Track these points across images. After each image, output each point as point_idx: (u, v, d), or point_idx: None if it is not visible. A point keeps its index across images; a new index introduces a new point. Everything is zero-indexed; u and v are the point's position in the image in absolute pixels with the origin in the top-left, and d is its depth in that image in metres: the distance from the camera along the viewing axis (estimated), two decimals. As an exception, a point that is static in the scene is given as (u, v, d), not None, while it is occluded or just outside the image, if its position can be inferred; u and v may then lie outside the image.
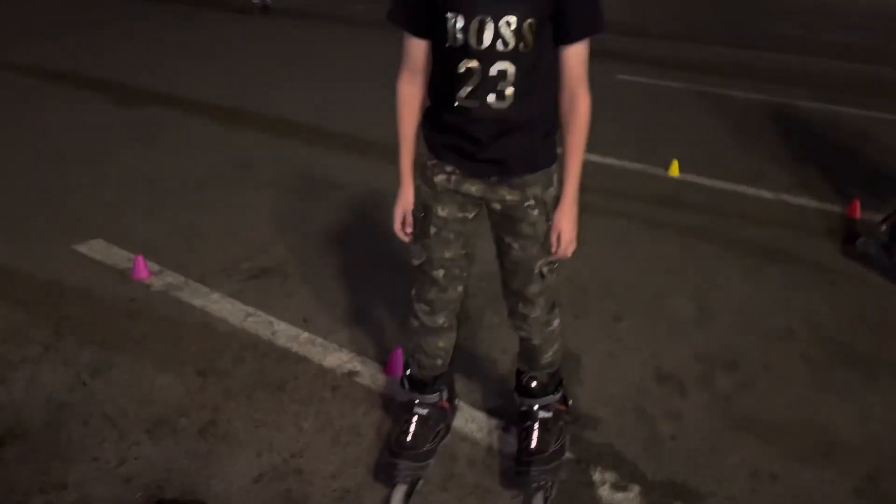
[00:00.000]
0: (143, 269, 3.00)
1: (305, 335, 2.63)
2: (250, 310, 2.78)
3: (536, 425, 1.96)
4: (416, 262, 1.81)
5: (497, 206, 1.72)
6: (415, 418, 1.95)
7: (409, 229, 1.77)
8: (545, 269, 1.77)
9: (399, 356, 2.40)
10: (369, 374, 2.41)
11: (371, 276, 3.07)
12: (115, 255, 3.17)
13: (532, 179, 1.68)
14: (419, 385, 1.97)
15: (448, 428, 2.11)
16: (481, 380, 2.39)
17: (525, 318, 1.85)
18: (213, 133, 5.06)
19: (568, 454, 2.07)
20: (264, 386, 2.34)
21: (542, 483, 1.89)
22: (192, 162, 4.41)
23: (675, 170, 4.58)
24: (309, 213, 3.70)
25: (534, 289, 1.79)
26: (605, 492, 1.97)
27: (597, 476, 2.02)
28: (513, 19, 1.49)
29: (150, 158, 4.43)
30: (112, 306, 2.78)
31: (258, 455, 2.04)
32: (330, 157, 4.61)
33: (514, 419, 2.11)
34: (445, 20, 1.51)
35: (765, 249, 3.49)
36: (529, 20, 1.50)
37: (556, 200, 1.71)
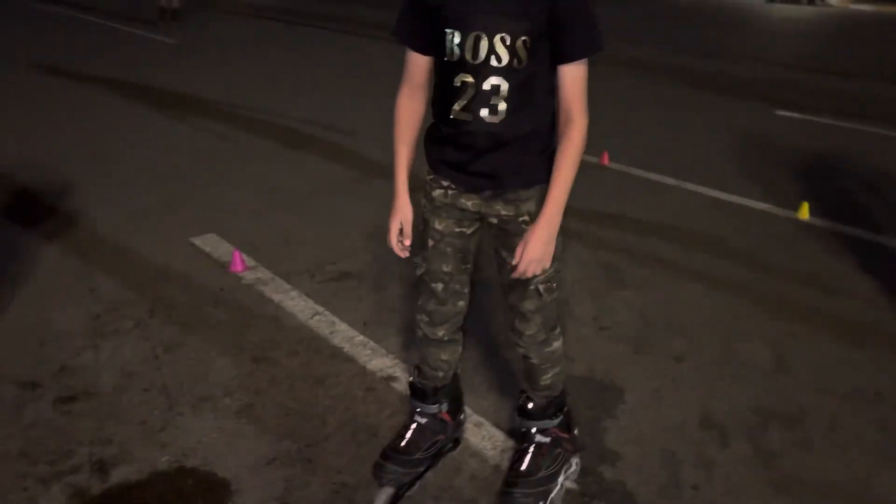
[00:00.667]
0: (239, 262, 3.29)
1: (360, 338, 2.76)
2: (319, 309, 2.96)
3: (531, 448, 1.94)
4: (418, 272, 1.87)
5: (494, 221, 1.75)
6: (413, 425, 2.00)
7: (407, 241, 1.80)
8: (541, 287, 1.77)
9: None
10: (406, 381, 2.49)
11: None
12: (221, 249, 3.49)
13: (526, 195, 1.70)
14: (420, 394, 2.01)
15: (456, 442, 2.14)
16: (509, 398, 2.38)
17: (521, 335, 1.85)
18: (338, 148, 5.41)
19: (572, 485, 2.03)
20: (306, 378, 2.49)
21: None
22: (312, 175, 4.74)
23: (804, 212, 4.26)
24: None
25: (529, 305, 1.79)
26: (599, 528, 1.90)
27: (597, 511, 1.95)
28: (507, 36, 1.53)
29: (275, 170, 4.82)
30: (203, 293, 3.07)
31: (279, 440, 2.18)
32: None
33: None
34: (444, 35, 1.57)
35: (873, 307, 3.16)
36: (523, 38, 1.54)
37: None
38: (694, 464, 2.15)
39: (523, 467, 1.90)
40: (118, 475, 2.02)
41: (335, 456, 2.13)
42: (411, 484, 1.98)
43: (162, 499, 1.94)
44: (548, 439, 1.95)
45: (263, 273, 3.28)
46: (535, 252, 1.65)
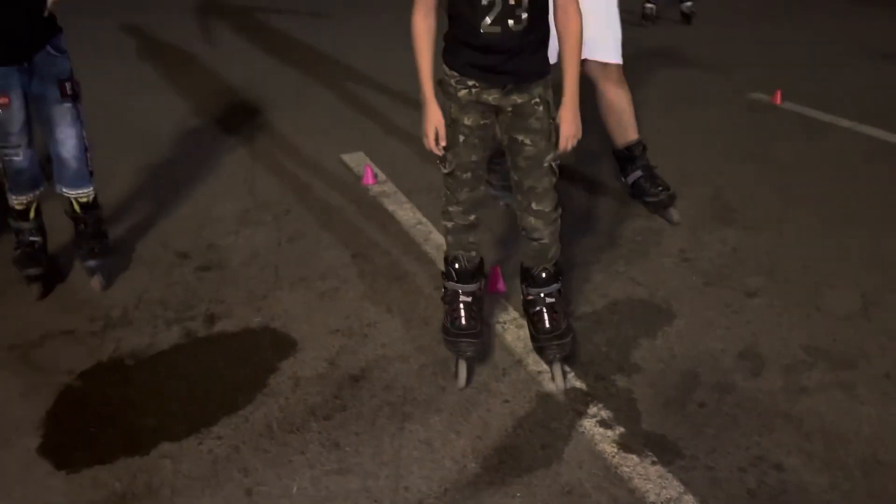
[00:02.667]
0: (370, 177, 3.73)
1: (448, 246, 3.07)
2: (423, 219, 3.31)
3: (545, 309, 2.23)
4: (446, 170, 2.14)
5: (509, 109, 2.03)
6: (461, 305, 2.25)
7: (442, 143, 2.08)
8: (554, 165, 2.09)
9: (497, 274, 2.71)
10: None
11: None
12: (362, 165, 3.95)
13: (536, 83, 2.01)
14: (465, 276, 2.26)
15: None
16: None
17: (539, 215, 2.13)
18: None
19: (580, 385, 2.20)
20: (388, 275, 2.87)
21: (560, 356, 2.22)
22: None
23: None
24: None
25: (546, 182, 2.09)
26: (587, 422, 2.07)
27: (592, 409, 2.12)
28: None
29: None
30: (334, 199, 3.56)
31: (346, 317, 2.59)
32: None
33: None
34: None
35: None
36: None
37: (552, 102, 2.04)
38: (712, 387, 2.21)
39: (547, 325, 2.22)
40: (220, 326, 2.57)
41: (385, 335, 2.49)
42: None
43: (243, 346, 2.46)
44: (554, 299, 2.25)
45: (389, 187, 3.68)
46: (571, 128, 2.04)
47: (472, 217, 2.21)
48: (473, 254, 2.28)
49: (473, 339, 2.24)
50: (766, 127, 4.46)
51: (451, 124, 2.06)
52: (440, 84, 2.06)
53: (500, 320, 2.56)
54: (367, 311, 2.64)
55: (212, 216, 3.40)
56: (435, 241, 3.11)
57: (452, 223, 2.23)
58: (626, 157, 3.25)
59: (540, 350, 2.27)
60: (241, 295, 2.75)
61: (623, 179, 3.33)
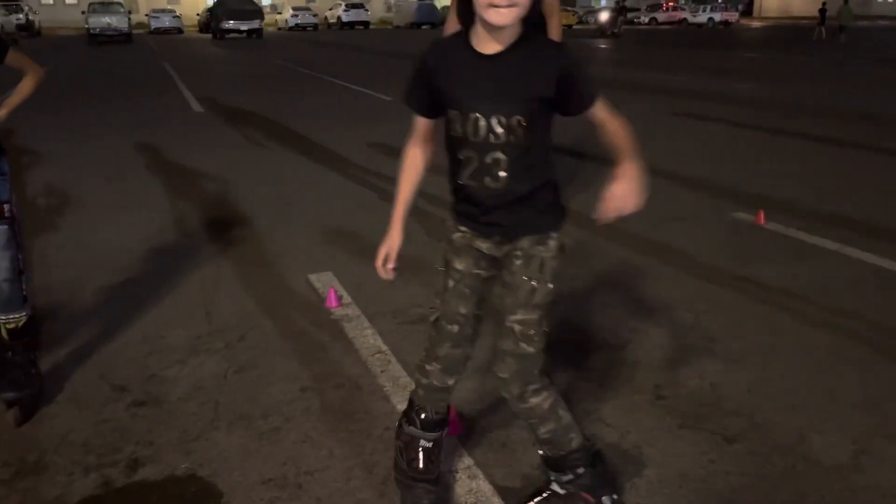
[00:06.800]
0: (334, 299, 3.57)
1: (405, 379, 2.85)
2: (383, 347, 3.12)
3: (545, 493, 2.07)
4: (432, 318, 2.00)
5: (499, 260, 1.93)
6: (420, 450, 2.08)
7: (390, 265, 1.97)
8: (516, 328, 1.86)
9: (453, 414, 2.48)
10: (425, 426, 2.54)
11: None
12: (328, 286, 3.79)
13: (525, 238, 1.87)
14: (430, 426, 2.07)
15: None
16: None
17: (497, 376, 1.93)
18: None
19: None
20: (337, 411, 2.65)
21: None
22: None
23: None
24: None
25: (503, 345, 1.89)
26: None
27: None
28: (502, 118, 1.73)
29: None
30: (294, 324, 3.38)
31: (283, 464, 2.35)
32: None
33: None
34: (448, 113, 1.80)
35: None
36: (517, 117, 1.73)
37: (545, 262, 1.84)
38: None
39: (529, 503, 2.04)
40: (142, 473, 2.32)
41: (322, 486, 2.25)
42: None
43: (162, 499, 2.20)
44: (563, 492, 2.03)
45: (352, 310, 3.51)
46: (619, 189, 1.71)
47: (451, 381, 2.02)
48: (442, 413, 2.08)
49: (431, 487, 2.08)
50: (751, 248, 4.33)
51: (444, 267, 1.97)
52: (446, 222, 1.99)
53: (452, 468, 2.32)
54: (307, 456, 2.39)
55: (161, 343, 3.21)
56: (392, 373, 2.90)
57: (427, 381, 2.03)
58: None
59: None
60: (174, 435, 2.52)
61: None
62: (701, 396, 2.72)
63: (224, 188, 5.98)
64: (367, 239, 4.51)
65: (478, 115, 1.73)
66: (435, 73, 1.79)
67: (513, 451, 2.40)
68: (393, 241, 1.96)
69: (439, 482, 2.11)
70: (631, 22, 49.46)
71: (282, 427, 2.56)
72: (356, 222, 4.90)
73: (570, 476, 2.01)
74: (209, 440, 2.49)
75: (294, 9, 47.90)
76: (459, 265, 1.92)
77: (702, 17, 49.27)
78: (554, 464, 2.01)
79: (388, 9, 56.40)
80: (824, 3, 29.63)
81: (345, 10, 47.39)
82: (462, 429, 2.49)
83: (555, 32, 3.80)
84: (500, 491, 2.21)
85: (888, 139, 7.56)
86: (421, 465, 2.06)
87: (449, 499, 2.18)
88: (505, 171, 1.77)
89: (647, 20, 53.35)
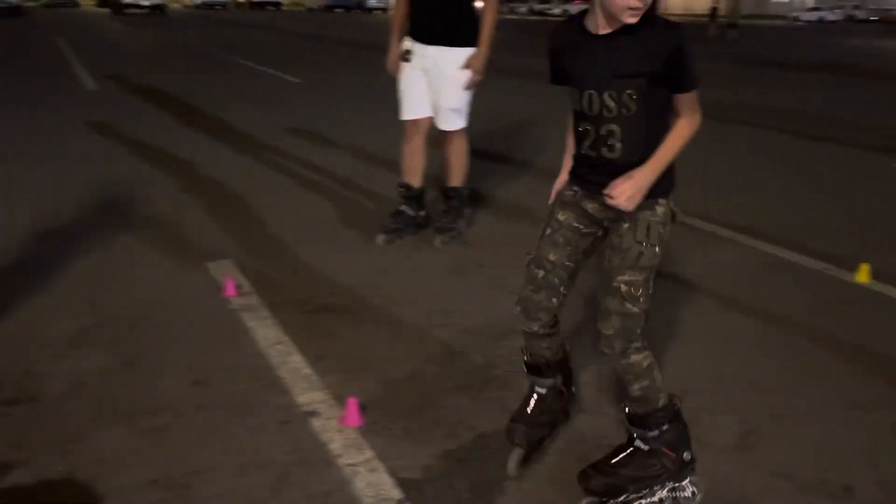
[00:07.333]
0: (231, 288, 3.41)
1: (307, 371, 2.75)
2: (283, 338, 3.00)
3: (629, 449, 2.07)
4: (526, 260, 2.09)
5: (606, 223, 2.01)
6: (534, 396, 2.24)
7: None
8: (623, 288, 1.92)
9: (353, 407, 2.41)
10: (324, 419, 2.45)
11: (411, 347, 3.09)
12: (227, 274, 3.62)
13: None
14: (535, 370, 2.22)
15: (567, 414, 2.40)
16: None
17: (600, 336, 1.98)
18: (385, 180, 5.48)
19: None
20: (231, 407, 2.52)
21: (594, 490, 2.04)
22: (344, 209, 4.84)
23: (863, 276, 3.77)
24: (421, 261, 3.85)
25: (611, 304, 1.94)
26: None
27: None
28: (613, 92, 1.86)
29: (312, 203, 4.95)
30: (187, 315, 3.21)
31: (168, 464, 2.21)
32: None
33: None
34: (570, 90, 1.96)
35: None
36: (628, 91, 1.84)
37: (652, 225, 1.92)
38: None
39: (613, 459, 2.06)
40: (11, 478, 2.13)
41: (213, 485, 2.13)
42: (533, 449, 2.23)
43: (34, 505, 2.04)
44: (646, 447, 2.05)
45: (253, 300, 3.37)
46: (626, 187, 1.85)
47: (535, 327, 2.10)
48: (544, 359, 2.20)
49: (530, 429, 2.21)
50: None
51: (549, 216, 2.07)
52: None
53: (351, 461, 2.25)
54: (197, 455, 2.26)
55: (39, 336, 2.97)
56: (292, 365, 2.79)
57: (524, 327, 2.13)
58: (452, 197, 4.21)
59: (579, 476, 2.06)
60: (51, 436, 2.33)
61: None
62: (599, 380, 2.74)
63: (119, 169, 5.66)
64: (272, 226, 4.36)
65: (591, 91, 1.88)
66: (557, 53, 1.98)
67: (414, 442, 2.35)
68: (561, 180, 2.12)
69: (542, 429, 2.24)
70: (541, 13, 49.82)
71: (171, 424, 2.42)
72: (262, 208, 4.72)
73: (656, 432, 2.05)
74: (89, 440, 2.32)
75: (202, -15, 46.18)
76: (561, 216, 2.04)
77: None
78: (640, 421, 2.06)
79: (301, -10, 55.20)
80: (717, 2, 30.66)
81: (256, -11, 46.07)
82: (362, 420, 2.42)
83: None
84: (401, 483, 2.16)
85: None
86: (529, 409, 2.21)
87: (349, 493, 2.11)
88: (620, 141, 1.89)
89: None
